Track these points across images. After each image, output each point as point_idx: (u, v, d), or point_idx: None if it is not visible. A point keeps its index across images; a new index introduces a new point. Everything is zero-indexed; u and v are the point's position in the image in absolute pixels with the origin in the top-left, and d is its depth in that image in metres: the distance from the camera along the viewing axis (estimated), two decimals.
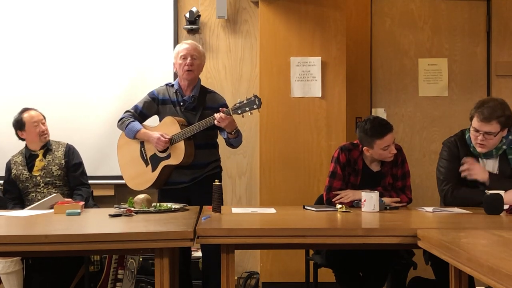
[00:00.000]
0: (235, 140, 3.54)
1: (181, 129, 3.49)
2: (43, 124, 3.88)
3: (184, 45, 3.67)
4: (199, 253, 4.00)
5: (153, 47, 4.67)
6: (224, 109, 3.40)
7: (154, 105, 3.68)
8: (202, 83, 3.76)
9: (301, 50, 4.38)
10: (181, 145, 3.49)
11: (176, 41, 4.69)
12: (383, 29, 4.76)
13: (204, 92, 3.68)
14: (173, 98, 3.65)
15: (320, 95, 4.36)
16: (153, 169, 3.59)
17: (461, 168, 3.25)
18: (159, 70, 4.66)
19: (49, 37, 4.66)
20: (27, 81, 4.65)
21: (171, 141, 3.51)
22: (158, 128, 3.63)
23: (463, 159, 3.27)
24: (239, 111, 3.37)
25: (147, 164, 3.63)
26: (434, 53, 4.75)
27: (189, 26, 4.67)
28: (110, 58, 4.66)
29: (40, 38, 4.67)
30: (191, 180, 3.56)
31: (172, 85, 3.69)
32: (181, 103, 3.62)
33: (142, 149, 3.66)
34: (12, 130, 4.42)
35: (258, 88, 4.44)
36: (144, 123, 3.71)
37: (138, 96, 4.58)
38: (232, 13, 4.73)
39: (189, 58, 3.59)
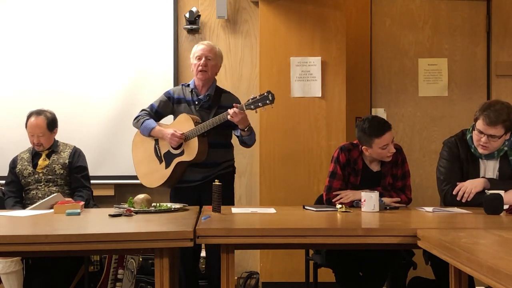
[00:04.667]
0: (248, 137, 3.60)
1: (195, 126, 3.54)
2: (40, 136, 3.82)
3: (201, 45, 3.73)
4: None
5: (153, 47, 4.66)
6: (238, 104, 3.47)
7: (170, 104, 3.75)
8: None
9: (301, 50, 4.38)
10: (194, 142, 3.54)
11: (176, 41, 4.69)
12: (383, 29, 4.76)
13: (219, 92, 3.75)
14: (188, 97, 3.72)
15: (320, 95, 4.36)
16: (167, 166, 3.64)
17: (455, 193, 3.23)
18: (159, 70, 4.66)
19: (49, 37, 4.66)
20: (27, 82, 4.65)
21: (185, 138, 3.56)
22: (172, 125, 3.68)
23: (455, 190, 3.25)
24: (252, 106, 3.44)
25: (161, 161, 3.68)
26: (434, 53, 4.75)
27: (189, 26, 4.67)
28: (110, 58, 4.66)
29: (40, 38, 4.66)
30: (203, 179, 3.59)
31: (188, 85, 3.76)
32: (196, 102, 3.69)
33: (157, 146, 3.71)
34: (13, 130, 4.45)
35: (258, 88, 4.44)
36: (159, 122, 3.77)
37: (138, 96, 4.62)
38: (232, 13, 4.73)
39: (203, 59, 3.65)
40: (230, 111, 3.43)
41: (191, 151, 3.55)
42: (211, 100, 3.67)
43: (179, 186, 3.69)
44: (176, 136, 3.54)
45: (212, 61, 3.69)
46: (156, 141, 3.72)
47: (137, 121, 3.74)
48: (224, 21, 4.73)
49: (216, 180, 3.07)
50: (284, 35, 4.39)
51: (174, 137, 3.55)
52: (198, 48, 3.71)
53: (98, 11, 4.68)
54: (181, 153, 3.60)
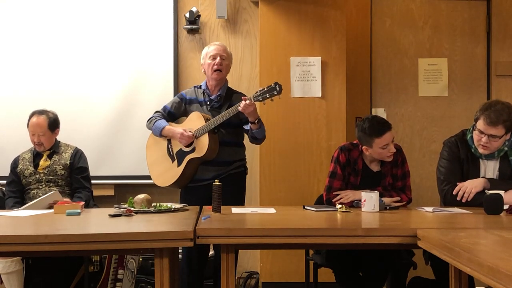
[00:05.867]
0: (258, 131, 3.58)
1: (205, 123, 3.57)
2: (40, 136, 3.83)
3: (213, 45, 3.75)
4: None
5: (153, 47, 4.66)
6: (246, 96, 3.49)
7: (182, 105, 3.79)
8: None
9: (301, 50, 4.38)
10: (205, 138, 3.56)
11: (176, 41, 4.69)
12: (383, 29, 4.76)
13: (231, 92, 3.78)
14: (200, 98, 3.75)
15: (320, 95, 4.36)
16: (179, 164, 3.66)
17: (455, 193, 3.24)
18: (159, 70, 4.66)
19: (49, 37, 4.66)
20: (27, 82, 4.64)
21: (196, 135, 3.59)
22: (185, 123, 3.72)
23: (455, 190, 3.26)
24: (260, 98, 3.47)
25: (173, 160, 3.71)
26: (434, 53, 4.75)
27: (189, 26, 4.67)
28: (110, 58, 4.66)
29: (40, 38, 4.66)
30: (214, 177, 3.57)
31: (200, 86, 3.79)
32: (208, 102, 3.71)
33: (169, 145, 3.74)
34: (13, 130, 4.45)
35: (258, 88, 4.43)
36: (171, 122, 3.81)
37: (138, 96, 4.63)
38: (232, 13, 4.73)
39: (218, 58, 3.68)
40: (241, 103, 3.44)
41: (201, 148, 3.57)
42: (222, 100, 3.70)
43: (190, 186, 3.70)
44: (185, 135, 3.57)
45: (226, 61, 3.73)
46: (169, 141, 3.75)
47: (150, 122, 3.79)
48: (224, 21, 4.73)
49: (216, 180, 3.08)
50: (284, 35, 4.40)
51: (183, 136, 3.58)
52: (211, 48, 3.73)
53: (98, 11, 4.67)
54: (192, 150, 3.62)
